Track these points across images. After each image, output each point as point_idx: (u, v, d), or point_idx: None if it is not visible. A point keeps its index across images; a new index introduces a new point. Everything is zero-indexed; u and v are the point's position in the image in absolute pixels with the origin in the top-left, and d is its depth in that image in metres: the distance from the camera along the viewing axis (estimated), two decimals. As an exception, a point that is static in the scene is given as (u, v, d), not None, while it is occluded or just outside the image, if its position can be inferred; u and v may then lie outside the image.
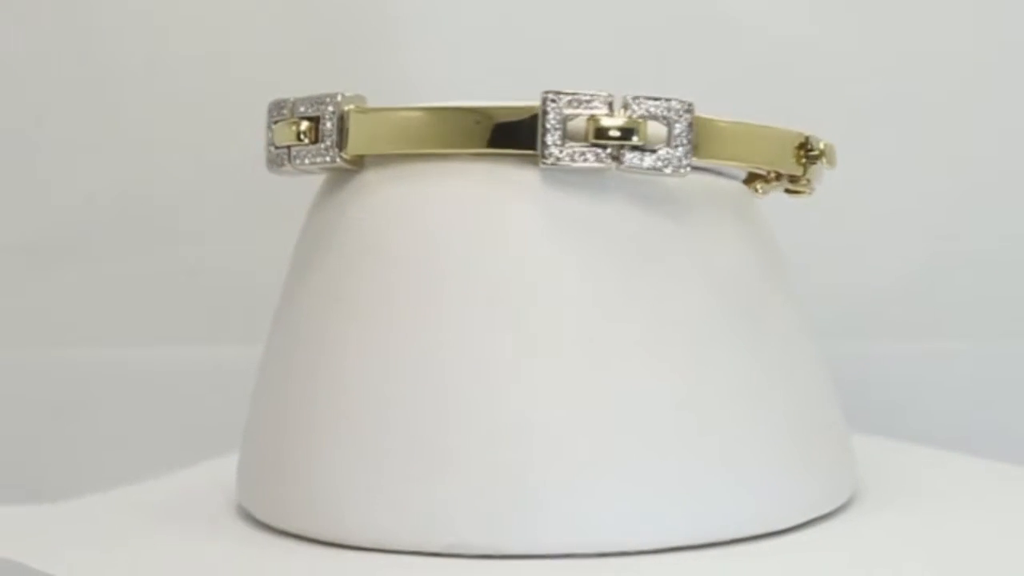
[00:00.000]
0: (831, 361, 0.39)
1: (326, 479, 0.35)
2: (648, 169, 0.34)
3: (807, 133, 0.37)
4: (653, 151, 0.34)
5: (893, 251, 0.61)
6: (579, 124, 0.34)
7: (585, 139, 0.34)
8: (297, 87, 0.38)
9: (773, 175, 0.37)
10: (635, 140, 0.33)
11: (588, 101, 0.34)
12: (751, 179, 0.39)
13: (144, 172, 0.61)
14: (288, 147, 0.37)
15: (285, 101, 0.37)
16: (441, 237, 0.35)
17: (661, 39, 0.60)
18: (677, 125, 0.34)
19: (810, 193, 0.38)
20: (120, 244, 0.61)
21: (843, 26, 0.60)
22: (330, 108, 0.36)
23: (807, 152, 0.37)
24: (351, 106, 0.36)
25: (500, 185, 0.35)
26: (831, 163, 0.37)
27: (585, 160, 0.34)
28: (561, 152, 0.34)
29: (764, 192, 0.37)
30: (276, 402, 0.37)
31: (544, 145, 0.34)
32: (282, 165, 0.37)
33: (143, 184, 0.61)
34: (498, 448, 0.33)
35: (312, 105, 0.36)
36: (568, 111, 0.34)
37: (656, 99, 0.34)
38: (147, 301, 0.61)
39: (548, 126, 0.34)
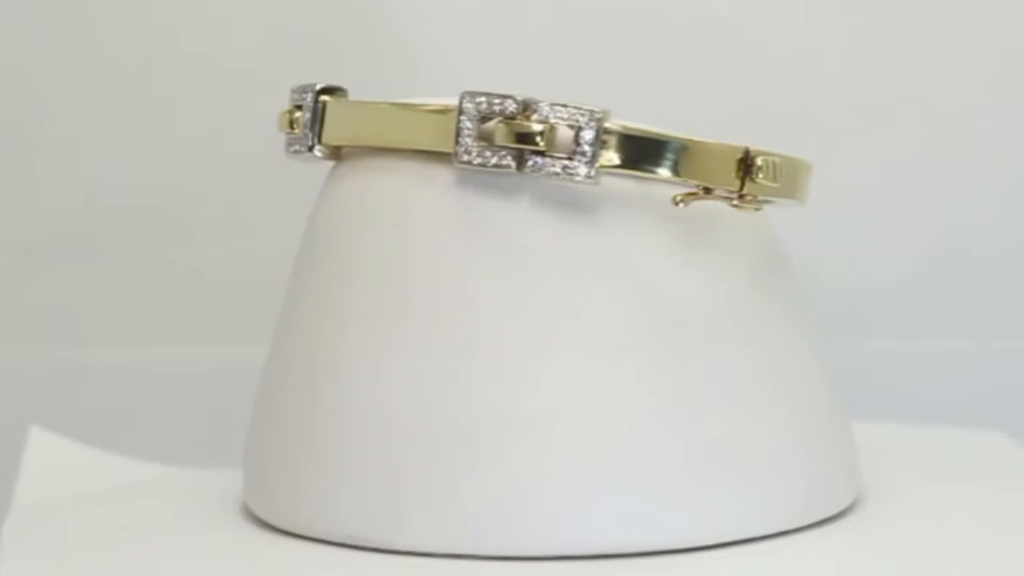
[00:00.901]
0: (830, 361, 0.39)
1: (320, 478, 0.35)
2: (552, 174, 0.33)
3: (750, 147, 0.35)
4: (559, 157, 0.33)
5: (893, 251, 0.61)
6: (492, 126, 0.34)
7: (493, 141, 0.33)
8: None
9: (702, 189, 0.35)
10: (540, 144, 0.33)
11: (502, 103, 0.34)
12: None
13: (144, 172, 0.61)
14: (286, 134, 0.38)
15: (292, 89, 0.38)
16: (363, 232, 0.35)
17: (668, 40, 0.60)
18: (585, 132, 0.33)
19: (755, 210, 0.35)
20: (120, 244, 0.61)
21: (843, 26, 0.60)
22: (309, 98, 0.37)
23: (747, 167, 0.34)
24: (327, 97, 0.37)
25: (421, 183, 0.35)
26: (772, 180, 0.35)
27: (490, 162, 0.34)
28: (471, 153, 0.34)
29: (686, 204, 0.35)
30: (267, 397, 0.38)
31: (457, 145, 0.34)
32: (287, 150, 0.38)
33: (143, 184, 0.61)
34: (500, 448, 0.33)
35: (299, 94, 0.37)
36: (483, 112, 0.34)
37: (566, 105, 0.33)
38: (147, 301, 0.61)
39: (462, 127, 0.34)
